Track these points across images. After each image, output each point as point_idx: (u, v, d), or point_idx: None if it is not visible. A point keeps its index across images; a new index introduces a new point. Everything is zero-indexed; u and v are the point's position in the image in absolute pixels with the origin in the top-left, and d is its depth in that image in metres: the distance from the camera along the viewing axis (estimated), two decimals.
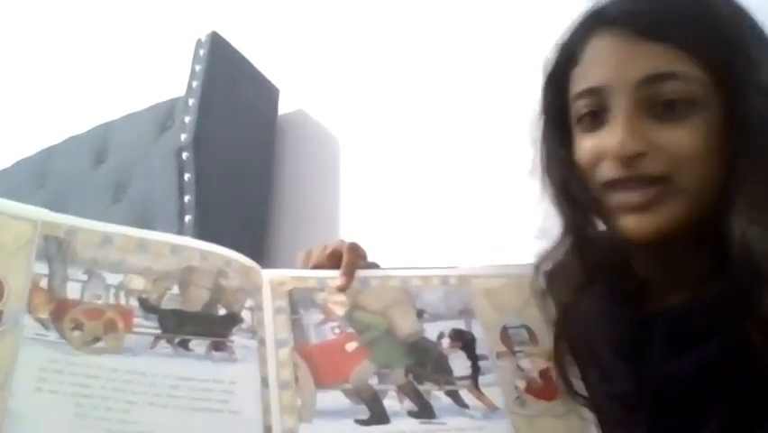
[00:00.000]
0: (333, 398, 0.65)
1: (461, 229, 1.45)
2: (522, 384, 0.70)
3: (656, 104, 0.64)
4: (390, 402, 0.66)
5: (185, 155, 1.54)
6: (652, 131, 0.64)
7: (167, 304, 0.66)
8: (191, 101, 1.58)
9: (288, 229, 1.69)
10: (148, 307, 0.65)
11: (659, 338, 0.66)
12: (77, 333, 0.62)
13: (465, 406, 0.67)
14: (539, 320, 0.74)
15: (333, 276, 0.74)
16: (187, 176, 1.53)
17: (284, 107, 1.77)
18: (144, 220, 1.60)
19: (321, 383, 0.66)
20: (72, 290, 0.64)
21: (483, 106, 1.47)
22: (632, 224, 0.65)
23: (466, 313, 0.74)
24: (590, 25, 0.70)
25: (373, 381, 0.67)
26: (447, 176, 1.49)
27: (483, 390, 0.69)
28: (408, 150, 1.56)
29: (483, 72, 1.48)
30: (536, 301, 0.74)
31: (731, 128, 0.63)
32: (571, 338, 0.72)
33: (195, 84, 1.60)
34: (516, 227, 1.33)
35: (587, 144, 0.68)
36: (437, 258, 1.46)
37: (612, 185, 0.66)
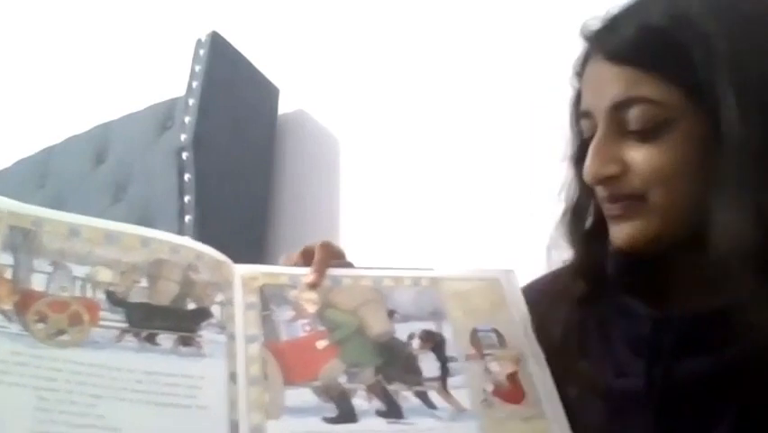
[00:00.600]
0: (301, 395, 0.65)
1: (460, 229, 1.45)
2: (490, 387, 0.70)
3: (630, 125, 0.66)
4: (359, 401, 0.66)
5: (185, 155, 1.54)
6: (626, 151, 0.66)
7: (135, 297, 0.65)
8: (191, 101, 1.58)
9: (288, 229, 1.69)
10: (115, 300, 0.64)
11: (672, 339, 0.66)
12: (40, 325, 0.60)
13: (434, 407, 0.67)
14: (508, 324, 0.75)
15: (306, 273, 0.73)
16: (187, 176, 1.54)
17: (284, 107, 1.77)
18: (144, 220, 1.60)
19: (290, 380, 0.66)
20: (37, 282, 0.62)
21: (483, 107, 1.47)
22: (613, 233, 0.69)
23: (437, 315, 0.74)
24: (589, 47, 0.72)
25: (342, 379, 0.67)
26: (447, 176, 1.49)
27: (452, 391, 0.69)
28: (408, 150, 1.56)
29: (484, 72, 1.48)
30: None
31: (713, 142, 0.63)
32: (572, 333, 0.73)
33: (195, 84, 1.60)
34: (515, 226, 1.33)
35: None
36: (436, 257, 1.46)
37: (602, 201, 0.70)
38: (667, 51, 0.64)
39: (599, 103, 0.68)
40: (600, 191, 0.70)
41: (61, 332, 0.61)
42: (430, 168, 1.52)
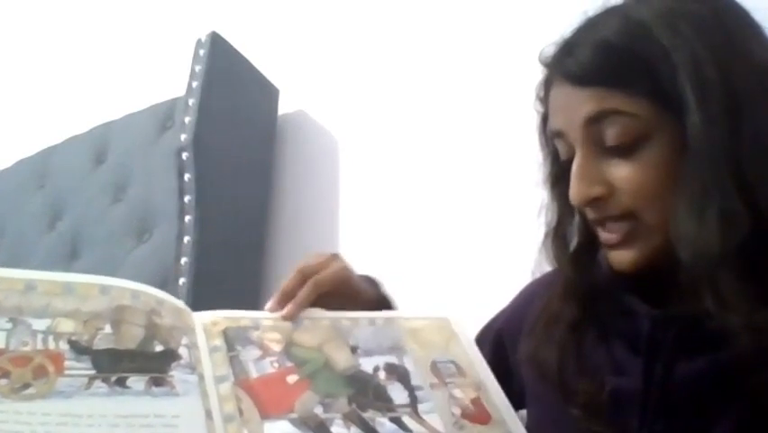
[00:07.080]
0: (280, 428, 0.65)
1: (460, 229, 1.45)
2: (458, 411, 0.72)
3: (608, 142, 0.66)
4: (338, 430, 0.66)
5: (185, 155, 1.54)
6: (609, 170, 0.66)
7: (99, 344, 0.64)
8: (191, 101, 1.58)
9: (288, 229, 1.69)
10: (79, 348, 0.63)
11: (671, 338, 0.66)
12: (4, 381, 0.59)
13: (409, 431, 0.68)
14: (463, 356, 0.78)
15: (267, 316, 0.75)
16: (187, 176, 1.53)
17: (284, 107, 1.77)
18: (144, 220, 1.61)
19: (266, 414, 0.66)
20: None
21: (483, 107, 1.47)
22: (613, 258, 0.69)
23: (396, 349, 0.76)
24: (549, 72, 0.72)
25: (318, 410, 0.67)
26: (446, 176, 1.49)
27: (423, 416, 0.70)
28: (408, 150, 1.56)
29: (484, 72, 1.48)
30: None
31: (686, 151, 0.63)
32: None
33: (195, 84, 1.60)
34: (515, 225, 1.33)
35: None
36: (436, 258, 1.47)
37: (593, 223, 0.70)
38: (629, 67, 0.64)
39: (571, 124, 0.67)
40: (589, 213, 0.69)
41: (26, 386, 0.59)
42: (430, 168, 1.52)
